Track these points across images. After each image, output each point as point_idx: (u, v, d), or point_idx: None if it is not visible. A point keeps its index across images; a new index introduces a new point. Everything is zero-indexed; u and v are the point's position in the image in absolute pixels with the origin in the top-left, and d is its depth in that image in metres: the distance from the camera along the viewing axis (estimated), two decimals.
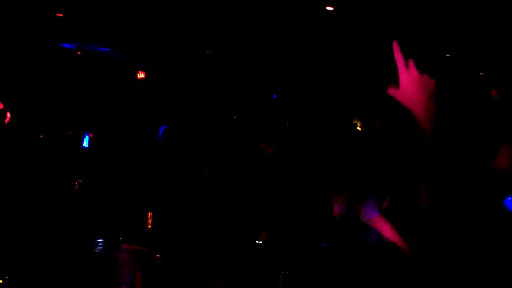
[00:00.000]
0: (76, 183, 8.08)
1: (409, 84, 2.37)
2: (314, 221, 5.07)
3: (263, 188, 5.73)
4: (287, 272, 4.01)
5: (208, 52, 14.19)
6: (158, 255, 4.87)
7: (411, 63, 2.31)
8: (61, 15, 10.42)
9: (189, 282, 4.41)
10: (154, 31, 11.93)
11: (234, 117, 15.57)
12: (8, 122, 10.22)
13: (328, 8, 9.20)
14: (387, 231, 4.24)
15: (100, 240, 5.40)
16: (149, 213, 5.45)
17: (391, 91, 2.32)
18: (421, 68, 2.30)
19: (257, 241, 5.02)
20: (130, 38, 12.80)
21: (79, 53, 14.22)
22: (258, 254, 4.84)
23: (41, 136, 9.54)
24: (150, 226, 5.44)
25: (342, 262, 4.28)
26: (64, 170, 8.45)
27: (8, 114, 10.23)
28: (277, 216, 5.26)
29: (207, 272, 4.38)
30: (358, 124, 10.54)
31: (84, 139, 10.33)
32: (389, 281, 4.02)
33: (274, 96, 15.99)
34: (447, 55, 11.86)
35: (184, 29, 11.51)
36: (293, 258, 4.58)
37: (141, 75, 16.54)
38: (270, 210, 5.38)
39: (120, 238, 5.43)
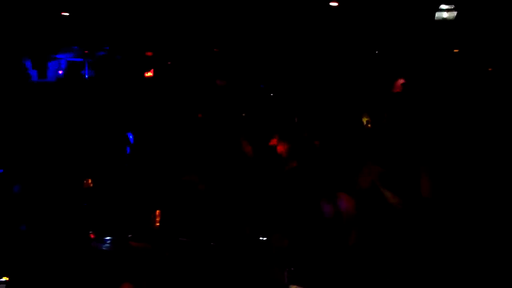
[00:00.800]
0: (85, 181, 8.09)
1: None
2: (319, 218, 5.06)
3: (269, 185, 5.73)
4: (292, 269, 4.01)
5: (215, 49, 14.20)
6: (167, 253, 4.87)
7: None
8: (67, 14, 10.43)
9: (197, 280, 4.41)
10: (161, 29, 11.93)
11: (243, 114, 15.53)
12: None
13: (332, 3, 9.18)
14: None
15: (108, 238, 5.41)
16: (157, 211, 5.45)
17: None
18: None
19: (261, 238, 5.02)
20: (137, 37, 12.81)
21: (86, 52, 14.25)
22: (263, 251, 4.83)
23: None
24: (158, 224, 5.44)
25: (348, 259, 4.27)
26: (73, 169, 8.46)
27: None
28: (283, 214, 5.25)
29: (213, 269, 4.38)
30: (369, 121, 10.51)
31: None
32: (394, 277, 4.02)
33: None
34: (455, 50, 11.82)
35: (191, 27, 11.51)
36: (298, 255, 4.57)
37: (149, 73, 16.54)
38: (276, 207, 5.38)
39: (129, 236, 5.43)
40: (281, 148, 6.40)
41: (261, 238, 4.96)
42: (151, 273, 4.57)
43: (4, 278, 4.56)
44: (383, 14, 9.59)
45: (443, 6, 8.48)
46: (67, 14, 10.47)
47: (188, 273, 4.50)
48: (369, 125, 9.98)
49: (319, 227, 4.85)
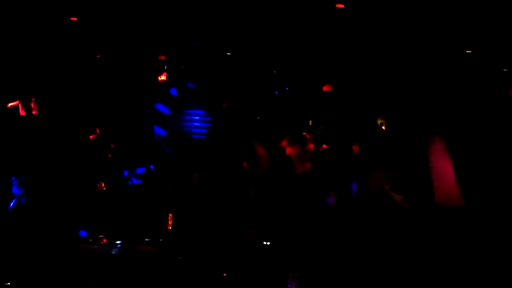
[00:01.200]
0: (98, 185, 8.11)
1: None
2: (323, 222, 5.06)
3: (278, 190, 5.72)
4: (296, 273, 4.00)
5: (227, 53, 14.20)
6: (179, 257, 4.87)
7: None
8: (75, 19, 10.41)
9: (207, 282, 4.41)
10: (174, 33, 11.95)
11: (258, 117, 15.56)
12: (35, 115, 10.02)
13: (338, 6, 9.14)
14: None
15: (119, 242, 5.41)
16: (170, 215, 5.45)
17: None
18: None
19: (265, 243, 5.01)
20: (150, 39, 12.83)
21: (98, 56, 14.25)
22: (267, 255, 4.83)
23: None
24: (170, 228, 5.44)
25: (352, 263, 4.26)
26: (87, 173, 8.48)
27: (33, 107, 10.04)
28: (288, 218, 5.25)
29: (218, 272, 4.38)
30: (384, 124, 10.46)
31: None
32: (400, 280, 4.00)
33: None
34: (467, 51, 11.73)
35: (203, 30, 11.52)
36: (301, 259, 4.56)
37: (162, 77, 16.55)
38: (282, 211, 5.37)
39: (146, 239, 5.45)
40: (289, 151, 6.38)
41: (265, 243, 4.95)
42: (158, 276, 4.58)
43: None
44: (397, 15, 9.55)
45: None
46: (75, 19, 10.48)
47: (200, 275, 4.50)
48: (383, 127, 9.93)
49: (325, 230, 4.83)
